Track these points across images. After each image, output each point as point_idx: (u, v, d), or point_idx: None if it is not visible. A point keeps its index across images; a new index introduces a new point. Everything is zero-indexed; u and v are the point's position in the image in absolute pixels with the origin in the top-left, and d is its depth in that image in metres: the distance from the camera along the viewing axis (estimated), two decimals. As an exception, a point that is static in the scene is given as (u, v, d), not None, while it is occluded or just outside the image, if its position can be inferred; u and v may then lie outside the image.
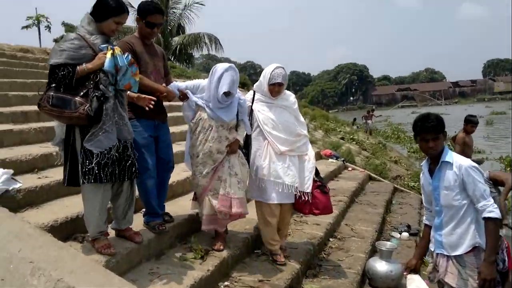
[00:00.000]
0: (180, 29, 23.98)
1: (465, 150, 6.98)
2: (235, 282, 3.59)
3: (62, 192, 3.91)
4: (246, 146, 3.98)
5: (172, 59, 22.33)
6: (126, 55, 3.07)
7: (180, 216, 4.09)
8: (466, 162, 3.01)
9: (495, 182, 5.98)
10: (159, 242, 3.65)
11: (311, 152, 4.09)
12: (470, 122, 7.16)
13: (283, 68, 3.92)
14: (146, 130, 3.56)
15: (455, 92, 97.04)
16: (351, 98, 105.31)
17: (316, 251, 4.64)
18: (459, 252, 3.01)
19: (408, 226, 6.13)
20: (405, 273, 3.41)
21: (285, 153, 3.89)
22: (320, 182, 4.09)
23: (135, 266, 3.36)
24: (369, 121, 23.87)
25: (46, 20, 22.78)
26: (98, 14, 3.04)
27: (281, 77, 3.87)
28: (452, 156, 3.04)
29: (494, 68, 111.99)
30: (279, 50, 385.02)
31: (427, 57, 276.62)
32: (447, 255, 3.06)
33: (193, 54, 24.81)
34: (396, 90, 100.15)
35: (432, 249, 3.20)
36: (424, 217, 3.46)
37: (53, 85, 2.98)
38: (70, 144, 3.07)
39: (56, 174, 4.04)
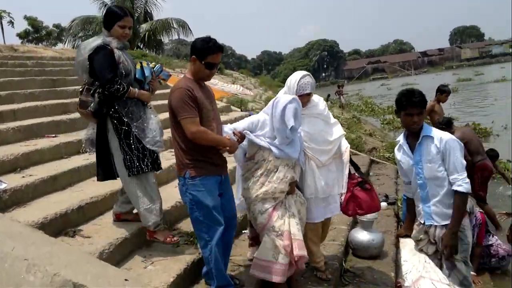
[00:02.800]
0: (147, 15, 23.55)
1: (435, 118, 7.24)
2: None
3: (48, 189, 3.95)
4: None
5: (141, 46, 21.99)
6: (157, 66, 3.65)
7: (168, 203, 4.17)
8: (446, 135, 3.19)
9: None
10: (149, 230, 3.73)
11: (345, 147, 3.76)
12: (444, 92, 7.41)
13: (309, 75, 3.59)
14: (215, 189, 3.10)
15: (424, 62, 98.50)
16: (323, 74, 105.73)
17: (301, 226, 4.80)
18: (449, 220, 3.15)
19: (386, 196, 6.36)
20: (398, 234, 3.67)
21: (325, 162, 3.64)
22: (361, 178, 3.76)
23: (128, 255, 3.45)
24: (341, 96, 24.13)
25: (8, 15, 22.03)
26: (106, 23, 3.40)
27: (309, 87, 3.53)
28: (433, 131, 3.21)
29: (461, 35, 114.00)
30: (249, 31, 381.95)
31: (395, 29, 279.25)
32: (439, 225, 3.19)
33: (162, 40, 24.47)
34: (367, 63, 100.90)
35: (422, 221, 3.30)
36: (404, 191, 3.64)
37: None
38: (102, 143, 3.44)
39: (40, 172, 4.07)
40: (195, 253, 3.53)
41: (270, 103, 3.37)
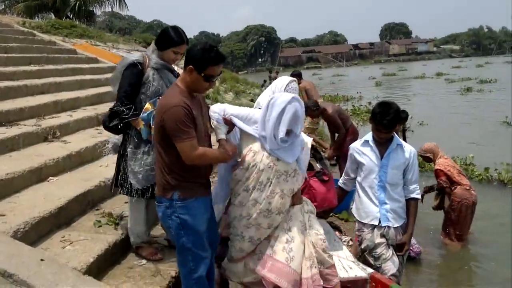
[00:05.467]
0: (78, -17, 22.20)
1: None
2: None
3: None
4: None
5: (71, 16, 20.77)
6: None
7: (92, 182, 4.06)
8: (412, 148, 3.46)
9: None
10: (69, 209, 3.61)
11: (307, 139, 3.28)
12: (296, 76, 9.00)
13: (295, 81, 3.28)
14: (206, 212, 2.80)
15: (355, 54, 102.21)
16: (260, 60, 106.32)
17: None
18: (401, 223, 3.41)
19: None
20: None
21: None
22: (321, 169, 3.46)
23: (45, 235, 3.32)
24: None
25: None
26: (160, 43, 3.25)
27: (296, 92, 3.18)
28: (400, 140, 3.46)
29: (390, 31, 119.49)
30: (186, 9, 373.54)
31: (330, 20, 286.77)
32: (393, 227, 3.38)
33: (94, 12, 23.31)
34: (302, 52, 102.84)
35: (376, 223, 3.39)
36: (341, 181, 3.74)
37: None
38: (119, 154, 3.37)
39: None
40: (118, 234, 3.48)
41: (263, 101, 2.84)
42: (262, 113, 2.80)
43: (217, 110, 2.89)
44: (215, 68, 2.63)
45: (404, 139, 7.23)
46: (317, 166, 3.57)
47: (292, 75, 8.22)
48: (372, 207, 3.42)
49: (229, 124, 2.88)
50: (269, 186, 2.77)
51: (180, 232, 2.70)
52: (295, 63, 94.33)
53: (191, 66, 2.60)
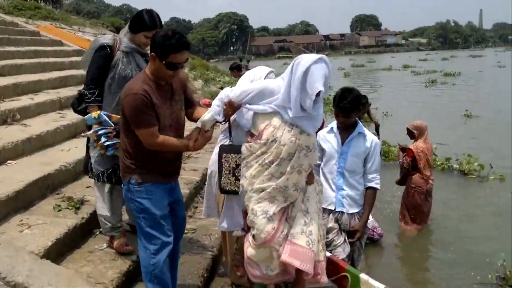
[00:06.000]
0: (42, -37, 21.39)
1: None
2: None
3: None
4: None
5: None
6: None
7: (53, 166, 3.97)
8: (375, 138, 3.51)
9: None
10: (28, 193, 3.53)
11: None
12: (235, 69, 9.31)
13: (273, 71, 3.19)
14: (164, 197, 2.77)
15: (326, 45, 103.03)
16: (232, 48, 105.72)
17: (193, 194, 4.89)
18: (356, 210, 3.46)
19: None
20: None
21: None
22: None
23: (3, 218, 3.24)
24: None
25: None
26: (133, 26, 3.18)
27: None
28: (364, 129, 3.47)
29: (361, 23, 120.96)
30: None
31: (302, 10, 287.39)
32: (348, 213, 3.44)
33: (60, -6, 22.56)
34: (274, 41, 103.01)
35: (332, 208, 3.47)
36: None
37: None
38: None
39: None
40: (78, 218, 3.43)
41: (289, 67, 2.63)
42: (287, 78, 2.61)
43: (223, 95, 2.77)
44: (177, 56, 2.54)
45: (377, 130, 7.41)
46: None
47: (230, 68, 8.37)
48: (329, 192, 3.48)
49: (235, 108, 2.76)
50: (289, 160, 2.62)
51: (139, 215, 2.72)
52: (267, 52, 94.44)
53: (153, 54, 2.56)
